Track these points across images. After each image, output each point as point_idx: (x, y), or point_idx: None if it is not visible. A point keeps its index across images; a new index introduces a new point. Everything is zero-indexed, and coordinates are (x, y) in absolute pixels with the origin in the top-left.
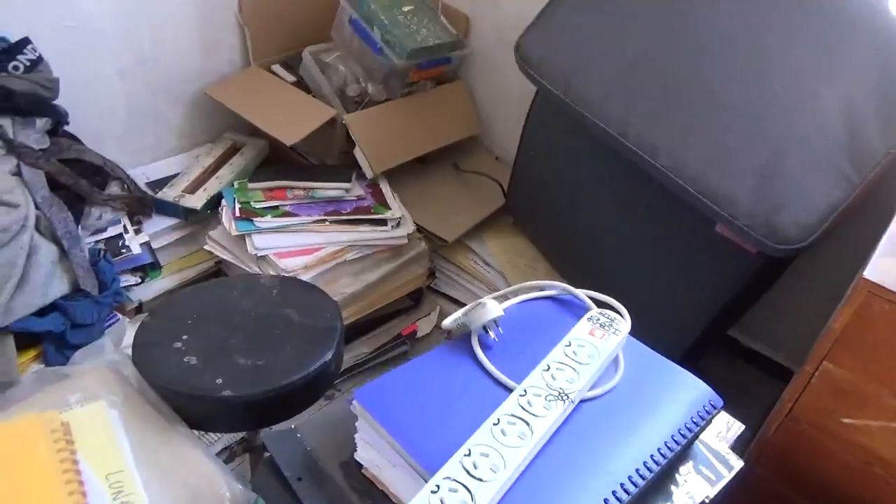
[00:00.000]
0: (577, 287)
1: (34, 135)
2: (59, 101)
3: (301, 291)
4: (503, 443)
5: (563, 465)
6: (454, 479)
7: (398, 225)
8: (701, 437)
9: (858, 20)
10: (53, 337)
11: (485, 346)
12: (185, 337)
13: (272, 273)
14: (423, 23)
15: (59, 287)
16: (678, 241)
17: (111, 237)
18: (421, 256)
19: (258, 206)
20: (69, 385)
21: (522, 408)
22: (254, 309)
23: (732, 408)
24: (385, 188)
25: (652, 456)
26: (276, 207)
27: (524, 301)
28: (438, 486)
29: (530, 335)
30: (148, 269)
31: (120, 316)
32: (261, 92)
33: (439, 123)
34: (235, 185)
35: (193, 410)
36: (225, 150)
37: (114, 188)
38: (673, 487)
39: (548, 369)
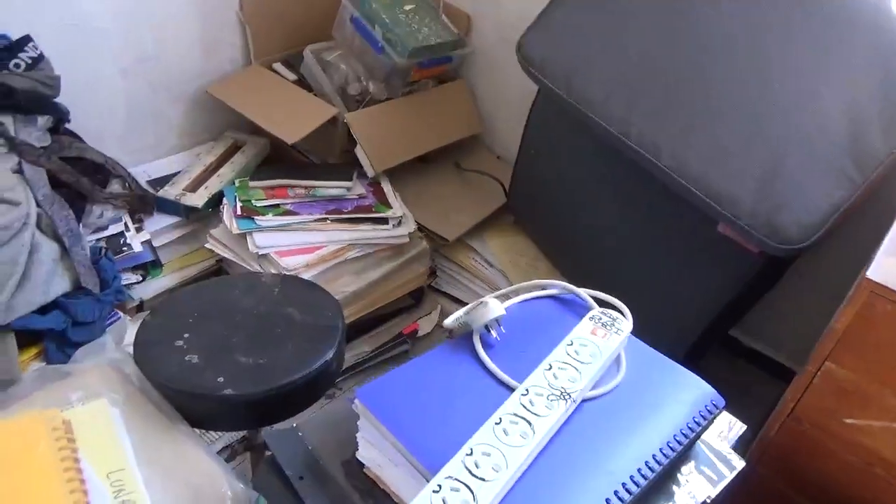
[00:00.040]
0: (578, 286)
1: (35, 133)
2: (61, 100)
3: (302, 290)
4: (505, 442)
5: (565, 465)
6: (456, 479)
7: (399, 224)
8: (702, 436)
9: (860, 20)
10: (55, 335)
11: (486, 345)
12: (186, 335)
13: (273, 271)
14: (424, 21)
15: (60, 285)
16: (679, 241)
17: (112, 235)
18: (422, 255)
19: (259, 204)
20: (70, 383)
21: (524, 407)
22: (255, 307)
23: (733, 408)
24: (386, 187)
25: (654, 456)
26: (278, 206)
27: (526, 300)
28: (440, 486)
29: (532, 334)
30: (149, 267)
31: (121, 314)
32: (262, 90)
33: (440, 122)
34: (236, 184)
35: (195, 409)
36: (226, 149)
37: (115, 186)
38: (675, 487)
39: (550, 368)
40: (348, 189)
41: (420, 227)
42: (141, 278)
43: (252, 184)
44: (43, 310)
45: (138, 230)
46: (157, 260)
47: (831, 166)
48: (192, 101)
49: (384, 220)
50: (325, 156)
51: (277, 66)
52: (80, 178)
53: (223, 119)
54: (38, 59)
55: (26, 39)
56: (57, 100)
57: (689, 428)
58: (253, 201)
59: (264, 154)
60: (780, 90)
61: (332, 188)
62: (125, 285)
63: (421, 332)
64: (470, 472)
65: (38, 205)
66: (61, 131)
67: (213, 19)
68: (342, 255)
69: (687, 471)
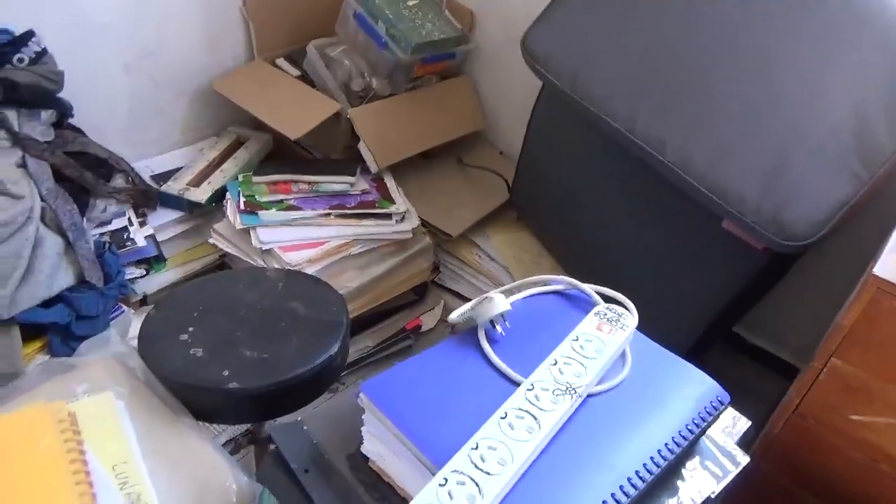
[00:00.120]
0: (582, 282)
1: (39, 127)
2: (64, 94)
3: (307, 285)
4: (511, 436)
5: (570, 460)
6: (462, 473)
7: (403, 219)
8: (707, 432)
9: (867, 17)
10: (59, 328)
11: (492, 341)
12: (191, 329)
13: (277, 266)
14: (427, 17)
15: (64, 279)
16: (684, 237)
17: (116, 230)
18: (425, 251)
19: (263, 199)
20: (76, 376)
21: (530, 402)
22: (259, 302)
23: (736, 404)
24: (390, 182)
25: (659, 451)
26: (281, 201)
27: (531, 296)
28: (446, 479)
29: (537, 330)
30: (152, 261)
31: (124, 308)
32: (265, 86)
33: (444, 118)
34: (240, 179)
35: (200, 402)
36: (229, 144)
37: (118, 181)
38: (679, 482)
39: (555, 364)
40: (352, 184)
41: (423, 223)
42: (144, 273)
43: (255, 179)
44: (47, 303)
45: (142, 225)
46: (160, 254)
47: (837, 163)
48: (195, 96)
49: (387, 216)
50: (329, 151)
51: (281, 61)
52: (83, 172)
53: (226, 114)
54: (42, 54)
55: (30, 34)
56: (60, 94)
57: (695, 423)
58: (256, 196)
59: (267, 149)
60: (786, 86)
61: (335, 184)
62: (129, 279)
63: (424, 328)
64: (476, 465)
65: (42, 199)
66: (65, 126)
67: (217, 15)
68: (345, 251)
69: (691, 466)
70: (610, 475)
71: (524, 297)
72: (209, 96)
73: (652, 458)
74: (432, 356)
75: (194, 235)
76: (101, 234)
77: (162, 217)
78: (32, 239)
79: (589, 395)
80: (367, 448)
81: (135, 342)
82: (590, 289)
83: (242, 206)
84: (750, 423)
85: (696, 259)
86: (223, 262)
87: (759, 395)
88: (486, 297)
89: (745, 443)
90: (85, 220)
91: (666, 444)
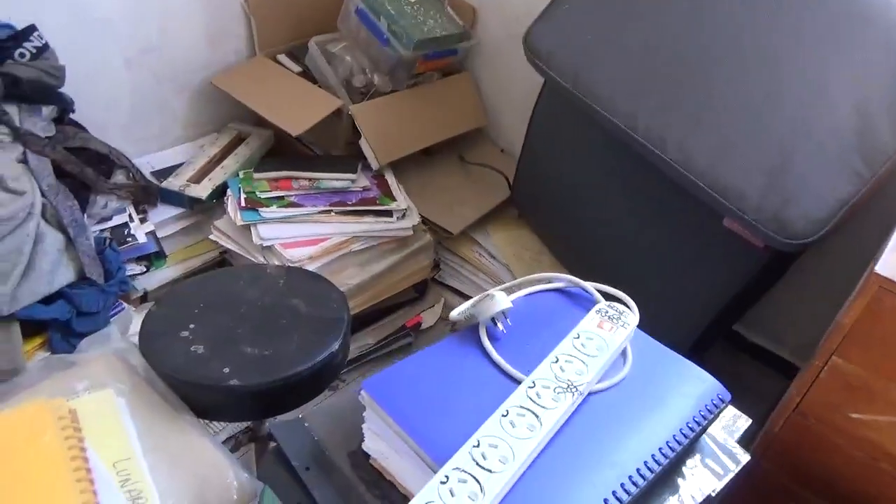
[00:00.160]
0: (583, 280)
1: (40, 122)
2: (65, 90)
3: (308, 281)
4: (512, 434)
5: (572, 458)
6: (463, 470)
7: (403, 216)
8: (708, 430)
9: (870, 15)
10: (59, 325)
11: (493, 338)
12: (191, 326)
13: (277, 263)
14: (429, 14)
15: (65, 275)
16: (685, 235)
17: (117, 226)
18: (426, 248)
19: (263, 196)
20: (76, 373)
21: (531, 399)
22: (260, 299)
23: (735, 402)
24: (391, 179)
25: (660, 449)
26: (282, 198)
27: (532, 293)
28: (448, 477)
29: (538, 327)
30: (153, 258)
31: (125, 305)
32: (267, 82)
33: (445, 115)
34: (241, 175)
35: (200, 399)
36: (230, 140)
37: (119, 177)
38: (680, 480)
39: (556, 361)
40: (352, 181)
41: (424, 220)
42: (145, 269)
43: (256, 175)
44: (47, 300)
45: (142, 221)
46: (160, 251)
47: (839, 161)
48: (196, 92)
49: (388, 213)
50: (330, 148)
51: (282, 57)
52: (84, 168)
53: (227, 110)
54: (43, 49)
55: (31, 29)
56: (61, 90)
57: (696, 421)
58: (257, 193)
59: (268, 146)
60: (788, 84)
61: (336, 180)
62: (129, 276)
63: (424, 325)
64: (477, 463)
65: (42, 195)
66: (66, 121)
67: (218, 10)
68: (346, 248)
69: (692, 464)
70: (611, 473)
71: (525, 295)
72: (210, 92)
73: (653, 456)
74: (433, 354)
75: (195, 232)
76: (102, 231)
77: (162, 213)
78: (33, 235)
79: (590, 393)
80: (368, 445)
81: (135, 339)
82: (591, 286)
83: (243, 203)
84: (750, 421)
85: (696, 257)
86: (224, 259)
87: (758, 393)
88: (488, 295)
89: (745, 441)
90: (85, 216)
91: (667, 442)
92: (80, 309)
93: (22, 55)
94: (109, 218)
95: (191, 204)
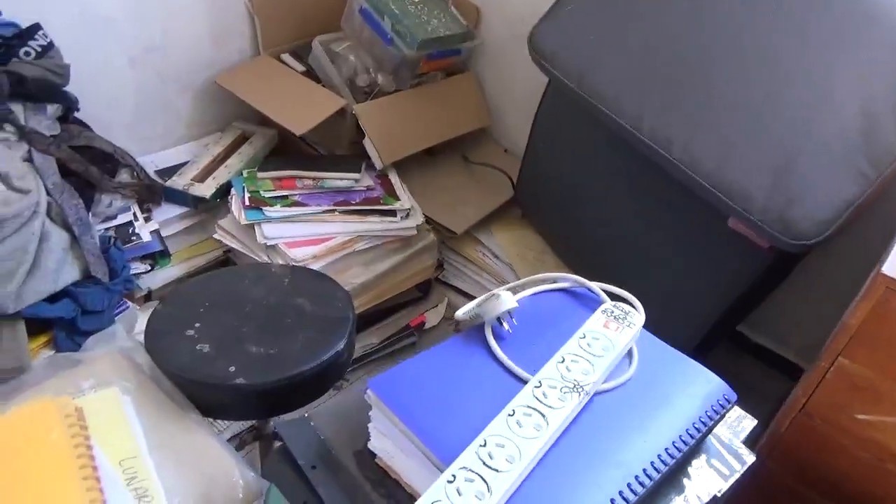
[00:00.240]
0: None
1: (45, 121)
2: (70, 88)
3: (312, 281)
4: (519, 434)
5: (578, 458)
6: (470, 469)
7: (407, 216)
8: (713, 431)
9: (876, 15)
10: (64, 323)
11: (498, 338)
12: (197, 325)
13: (281, 262)
14: (433, 13)
15: (70, 273)
16: (689, 235)
17: (121, 224)
18: (429, 248)
19: (267, 195)
20: (82, 371)
21: (538, 399)
22: (265, 298)
23: (739, 402)
24: (394, 179)
25: (666, 449)
26: (286, 197)
27: (537, 293)
28: (455, 476)
29: (543, 327)
30: (157, 256)
31: (129, 303)
32: (270, 81)
33: (449, 115)
34: (245, 174)
35: (206, 398)
36: (234, 139)
37: (123, 176)
38: (685, 481)
39: (563, 361)
40: (356, 181)
41: (427, 220)
42: (149, 268)
43: (260, 175)
44: (52, 298)
45: (147, 220)
46: (165, 250)
47: (845, 162)
48: (200, 91)
49: (392, 213)
50: (334, 147)
51: (286, 56)
52: (89, 166)
53: (231, 110)
54: (48, 48)
55: (36, 27)
56: (66, 88)
57: (702, 422)
58: (261, 192)
59: (272, 145)
60: (793, 85)
61: (340, 180)
62: (133, 274)
63: (428, 325)
64: (484, 462)
65: (47, 193)
66: (70, 120)
67: (222, 9)
68: (350, 247)
69: (698, 464)
70: (618, 473)
71: (531, 295)
72: (214, 91)
73: (659, 457)
74: (439, 353)
75: (199, 231)
76: (107, 229)
77: (166, 212)
78: (38, 233)
79: (596, 393)
80: (374, 445)
81: (140, 337)
82: (596, 286)
83: (247, 202)
84: (756, 421)
85: (700, 257)
86: (228, 258)
87: (761, 394)
88: (494, 295)
89: (750, 441)
90: (90, 214)
91: (673, 443)
92: (84, 307)
93: (27, 54)
94: (114, 216)
95: (195, 203)
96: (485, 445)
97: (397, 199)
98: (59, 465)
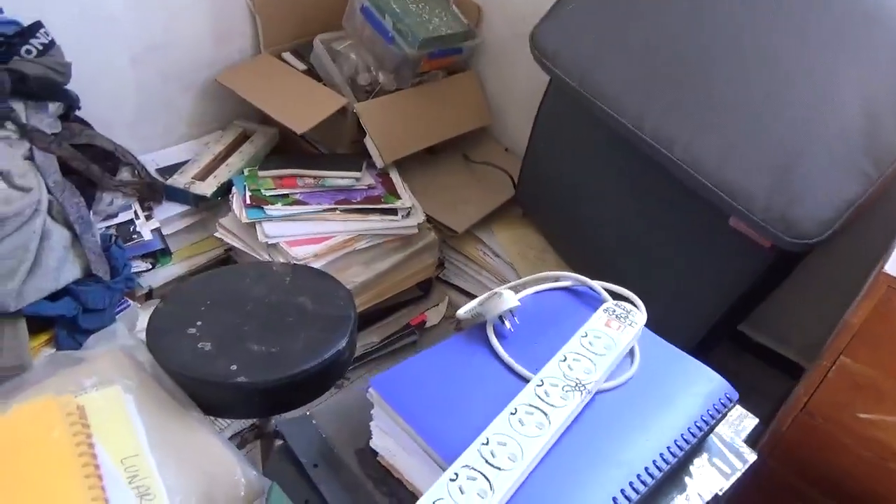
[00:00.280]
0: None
1: (47, 119)
2: (71, 87)
3: (314, 279)
4: (521, 432)
5: (580, 456)
6: (473, 468)
7: (408, 215)
8: (715, 429)
9: (878, 15)
10: (65, 322)
11: (500, 336)
12: (198, 323)
13: (282, 261)
14: (434, 12)
15: (71, 272)
16: (691, 234)
17: (122, 223)
18: (430, 246)
19: (268, 193)
20: (84, 369)
21: (540, 398)
22: (267, 296)
23: (740, 402)
24: (395, 178)
25: (668, 448)
26: (287, 195)
27: (539, 292)
28: (457, 474)
29: (545, 326)
30: (158, 255)
31: (130, 302)
32: (271, 80)
33: (450, 113)
34: (246, 173)
35: (208, 396)
36: (235, 138)
37: (125, 174)
38: (687, 479)
39: (564, 360)
40: (357, 179)
41: (428, 219)
42: (150, 266)
43: (261, 173)
44: (54, 296)
45: (148, 218)
46: (166, 248)
47: (846, 161)
48: (201, 89)
49: (393, 211)
50: (335, 146)
51: (287, 55)
52: (90, 165)
53: (232, 108)
54: (50, 46)
55: (38, 25)
56: (67, 87)
57: (704, 421)
58: (262, 191)
59: (273, 143)
60: (795, 84)
61: (341, 178)
62: (135, 273)
63: (429, 324)
64: (486, 461)
65: (49, 191)
66: (71, 118)
67: (224, 8)
68: (351, 246)
69: (700, 463)
70: (620, 471)
71: (532, 294)
72: (215, 90)
73: (661, 455)
74: (441, 351)
75: (200, 229)
76: (108, 228)
77: (167, 210)
78: (39, 232)
79: (598, 392)
80: (375, 443)
81: (142, 335)
82: (598, 285)
83: (248, 201)
84: (757, 420)
85: (702, 256)
86: (229, 257)
87: (762, 393)
88: (495, 293)
89: (752, 440)
90: (91, 213)
91: (675, 441)
92: (86, 305)
93: (28, 52)
94: (115, 215)
95: (196, 201)
96: (487, 444)
97: (398, 197)
98: (61, 464)
